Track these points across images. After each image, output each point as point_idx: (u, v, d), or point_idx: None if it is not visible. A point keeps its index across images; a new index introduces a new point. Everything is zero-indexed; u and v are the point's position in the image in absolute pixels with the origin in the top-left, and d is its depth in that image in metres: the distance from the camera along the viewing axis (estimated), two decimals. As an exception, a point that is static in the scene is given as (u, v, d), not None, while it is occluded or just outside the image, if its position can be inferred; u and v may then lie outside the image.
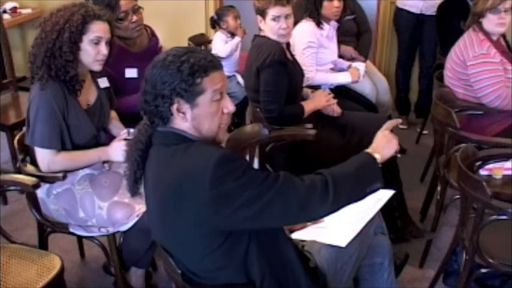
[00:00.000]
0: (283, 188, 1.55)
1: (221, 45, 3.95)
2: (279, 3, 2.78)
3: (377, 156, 1.72)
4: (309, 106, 2.92)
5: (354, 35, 3.97)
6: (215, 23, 4.07)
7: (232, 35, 3.99)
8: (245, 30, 4.00)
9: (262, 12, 2.83)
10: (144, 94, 1.62)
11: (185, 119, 1.60)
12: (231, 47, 3.94)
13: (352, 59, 3.74)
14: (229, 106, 1.66)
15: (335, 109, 3.02)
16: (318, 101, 2.98)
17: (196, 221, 1.56)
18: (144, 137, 1.67)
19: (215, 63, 1.61)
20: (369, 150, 1.75)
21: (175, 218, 1.60)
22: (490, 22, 3.00)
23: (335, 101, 3.03)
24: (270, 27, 2.82)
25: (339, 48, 3.66)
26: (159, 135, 1.65)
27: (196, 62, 1.57)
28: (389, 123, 1.87)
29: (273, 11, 2.79)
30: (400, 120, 2.01)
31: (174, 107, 1.58)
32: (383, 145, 1.77)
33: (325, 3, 3.35)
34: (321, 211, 1.61)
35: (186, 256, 1.66)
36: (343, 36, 3.76)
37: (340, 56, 3.70)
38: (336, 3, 3.36)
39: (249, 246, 1.63)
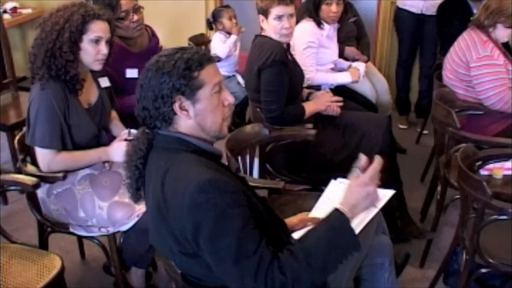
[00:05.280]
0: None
1: (220, 45, 3.97)
2: (282, 2, 2.76)
3: (348, 214, 1.52)
4: (310, 107, 2.92)
5: (355, 37, 3.97)
6: (211, 24, 4.08)
7: (230, 34, 4.00)
8: (241, 28, 4.01)
9: (265, 12, 2.81)
10: (140, 100, 1.60)
11: (189, 117, 1.59)
12: (229, 47, 3.95)
13: (355, 60, 3.74)
14: (229, 98, 1.65)
15: (335, 109, 3.00)
16: (319, 103, 2.97)
17: (180, 239, 1.54)
18: (144, 145, 1.65)
19: (208, 56, 1.62)
20: (338, 206, 1.54)
21: (165, 228, 1.58)
22: (500, 32, 2.99)
23: (339, 98, 3.01)
24: (273, 27, 2.81)
25: (342, 49, 3.67)
26: (161, 139, 1.64)
27: (190, 56, 1.57)
28: (372, 170, 1.57)
29: (276, 10, 2.78)
30: (380, 162, 1.59)
31: (176, 105, 1.57)
32: (356, 198, 1.55)
33: (323, 7, 3.33)
34: None
35: (181, 264, 1.64)
36: (345, 38, 3.76)
37: (344, 58, 3.70)
38: (333, 9, 3.33)
39: None
